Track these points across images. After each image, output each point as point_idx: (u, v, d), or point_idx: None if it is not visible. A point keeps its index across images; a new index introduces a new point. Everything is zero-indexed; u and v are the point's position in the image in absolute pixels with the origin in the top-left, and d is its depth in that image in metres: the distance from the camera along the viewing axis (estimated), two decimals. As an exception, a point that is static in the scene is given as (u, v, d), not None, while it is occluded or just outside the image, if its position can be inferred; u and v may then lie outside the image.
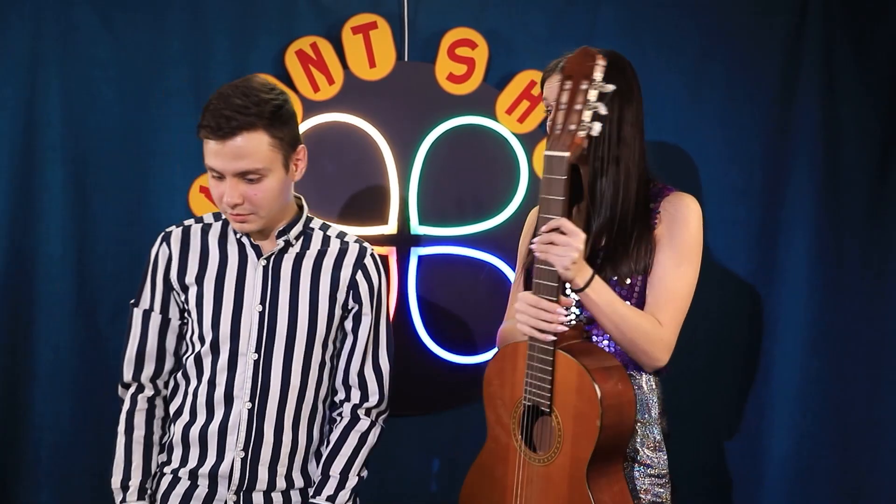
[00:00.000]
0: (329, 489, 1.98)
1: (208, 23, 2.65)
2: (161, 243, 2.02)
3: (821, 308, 2.73)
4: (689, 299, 1.94)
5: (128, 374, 2.02)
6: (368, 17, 2.67)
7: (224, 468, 1.95)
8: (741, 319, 2.79)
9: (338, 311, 1.99)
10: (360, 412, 2.02)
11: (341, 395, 2.04)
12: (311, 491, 2.00)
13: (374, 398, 2.03)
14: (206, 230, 2.02)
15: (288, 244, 1.97)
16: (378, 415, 2.05)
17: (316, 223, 2.04)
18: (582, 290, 1.84)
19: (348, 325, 2.02)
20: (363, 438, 2.01)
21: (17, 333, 2.56)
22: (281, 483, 1.98)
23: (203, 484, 1.98)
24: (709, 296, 2.70)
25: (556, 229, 1.79)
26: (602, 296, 1.85)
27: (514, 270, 2.71)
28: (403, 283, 2.70)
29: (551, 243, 1.79)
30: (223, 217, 2.00)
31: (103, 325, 2.62)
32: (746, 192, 2.80)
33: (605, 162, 1.95)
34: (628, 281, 1.94)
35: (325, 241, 2.02)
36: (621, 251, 1.94)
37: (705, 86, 2.81)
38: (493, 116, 2.74)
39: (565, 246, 1.78)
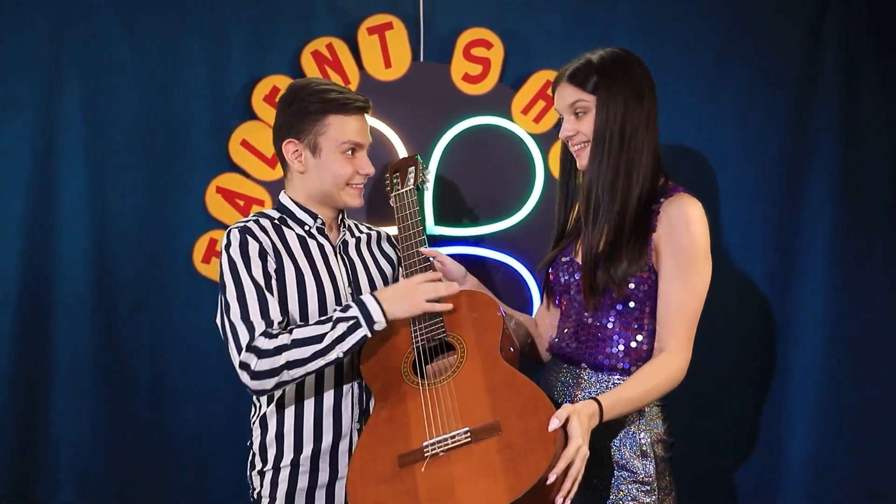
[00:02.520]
0: None
1: (226, 25, 2.67)
2: (243, 235, 2.03)
3: (839, 309, 2.70)
4: (700, 306, 1.93)
5: (257, 327, 1.93)
6: (384, 18, 2.68)
7: (344, 445, 2.06)
8: (759, 320, 2.77)
9: None
10: None
11: None
12: None
13: None
14: (276, 224, 2.11)
15: (349, 232, 2.20)
16: None
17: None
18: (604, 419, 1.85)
19: None
20: None
21: (36, 334, 2.58)
22: None
23: (324, 468, 2.05)
24: (726, 296, 2.69)
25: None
26: (621, 406, 1.85)
27: (529, 271, 2.72)
28: (419, 283, 2.70)
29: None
30: (276, 215, 2.14)
31: (122, 325, 2.64)
32: (765, 193, 2.77)
33: (603, 165, 1.95)
34: (631, 285, 1.94)
35: (357, 228, 2.26)
36: (616, 253, 1.93)
37: (723, 86, 2.79)
38: (509, 117, 2.74)
39: (582, 456, 1.74)
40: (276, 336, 1.92)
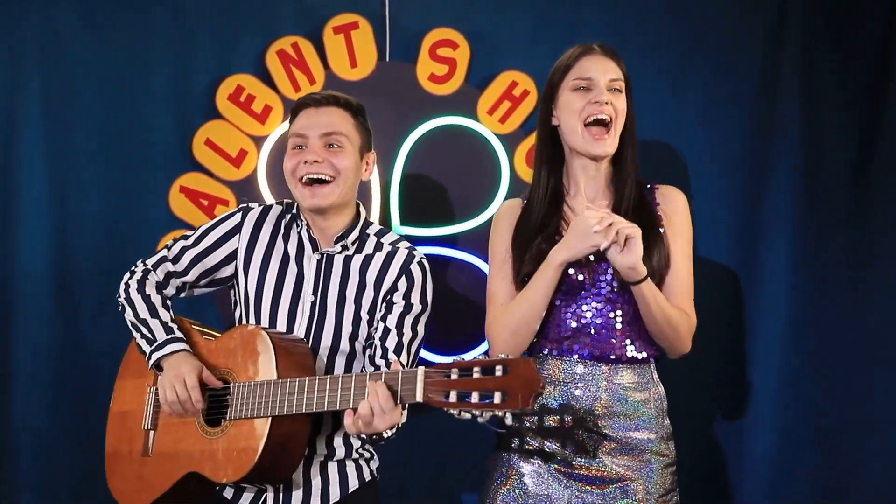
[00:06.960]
0: None
1: (190, 23, 2.66)
2: (238, 211, 2.14)
3: (801, 307, 2.73)
4: None
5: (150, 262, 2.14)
6: (350, 17, 2.68)
7: None
8: (721, 318, 2.79)
9: (379, 310, 2.06)
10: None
11: None
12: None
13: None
14: (282, 212, 2.13)
15: (344, 248, 2.08)
16: None
17: (373, 229, 2.14)
18: (639, 282, 1.91)
19: (380, 314, 2.07)
20: None
21: (-4, 334, 2.55)
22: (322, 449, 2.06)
23: None
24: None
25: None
26: (653, 288, 1.94)
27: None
28: (385, 283, 2.70)
29: (627, 238, 1.86)
30: (293, 211, 2.13)
31: (84, 325, 2.62)
32: (728, 192, 2.80)
33: (634, 157, 2.04)
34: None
35: (378, 246, 2.10)
36: (651, 244, 1.98)
37: (688, 86, 2.82)
38: (475, 117, 2.74)
39: (638, 242, 1.87)
40: (139, 284, 2.11)
